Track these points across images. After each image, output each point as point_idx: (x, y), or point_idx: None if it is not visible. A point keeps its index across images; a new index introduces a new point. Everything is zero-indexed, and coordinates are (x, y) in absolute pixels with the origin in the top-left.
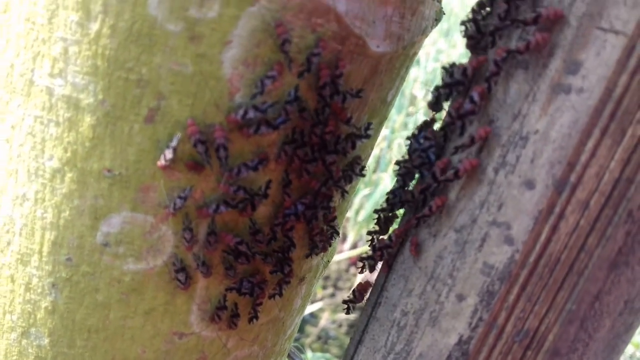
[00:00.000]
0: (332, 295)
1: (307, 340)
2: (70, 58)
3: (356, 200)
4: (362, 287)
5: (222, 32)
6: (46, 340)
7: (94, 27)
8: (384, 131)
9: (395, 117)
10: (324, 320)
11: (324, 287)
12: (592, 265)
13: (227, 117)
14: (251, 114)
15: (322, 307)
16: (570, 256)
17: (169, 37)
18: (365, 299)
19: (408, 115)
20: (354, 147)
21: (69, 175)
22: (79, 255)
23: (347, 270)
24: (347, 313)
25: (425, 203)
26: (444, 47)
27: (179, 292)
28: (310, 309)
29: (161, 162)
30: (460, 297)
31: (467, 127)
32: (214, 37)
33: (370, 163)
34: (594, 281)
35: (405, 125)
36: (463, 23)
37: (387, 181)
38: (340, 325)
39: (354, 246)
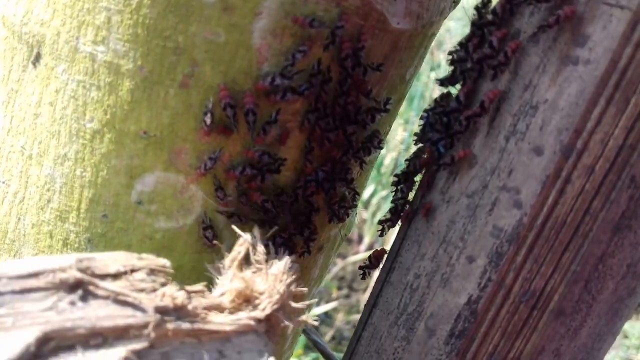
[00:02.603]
0: (347, 296)
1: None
2: (112, 27)
3: (373, 202)
4: (378, 254)
5: (253, 3)
6: None
7: None
8: (402, 134)
9: (415, 120)
10: (339, 321)
11: (339, 288)
12: (596, 228)
13: (256, 84)
14: (278, 80)
15: (336, 308)
16: (576, 219)
17: (204, 8)
18: (380, 265)
19: None
20: (373, 120)
21: (107, 136)
22: (114, 212)
23: None
24: (363, 278)
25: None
26: None
27: (205, 251)
28: (324, 308)
29: (203, 128)
30: (471, 259)
31: (485, 71)
32: (245, 8)
33: (387, 165)
34: (598, 244)
35: None
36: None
37: None
38: (354, 327)
39: (370, 248)
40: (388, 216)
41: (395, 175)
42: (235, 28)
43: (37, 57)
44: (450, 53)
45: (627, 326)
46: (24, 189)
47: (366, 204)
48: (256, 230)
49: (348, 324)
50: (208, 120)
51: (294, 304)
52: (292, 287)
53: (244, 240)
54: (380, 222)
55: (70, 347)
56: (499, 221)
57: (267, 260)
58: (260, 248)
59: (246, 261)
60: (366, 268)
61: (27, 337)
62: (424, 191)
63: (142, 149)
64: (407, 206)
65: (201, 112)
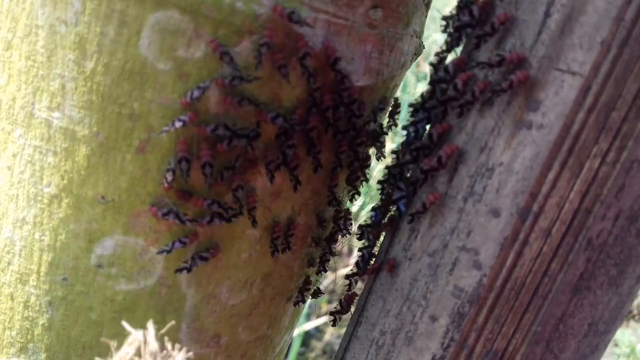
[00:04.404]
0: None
1: (312, 355)
2: (67, 93)
3: (362, 214)
4: (349, 298)
5: (208, 70)
6: (43, 356)
7: (90, 65)
8: (390, 146)
9: (403, 131)
10: (329, 334)
11: (329, 302)
12: (555, 289)
13: (199, 129)
14: (220, 131)
15: (327, 322)
16: (535, 280)
17: (158, 75)
18: (351, 309)
19: None
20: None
21: (65, 201)
22: (74, 275)
23: None
24: (334, 325)
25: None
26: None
27: (169, 311)
28: (315, 323)
29: (164, 185)
30: (433, 318)
31: (462, 39)
32: (201, 75)
33: (376, 177)
34: (558, 304)
35: None
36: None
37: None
38: None
39: None
40: (355, 270)
41: (360, 227)
42: None
43: None
44: (411, 106)
45: (618, 334)
46: None
47: (356, 216)
48: (150, 324)
49: (339, 338)
50: (169, 177)
51: None
52: None
53: (135, 338)
54: (347, 277)
55: None
56: (459, 281)
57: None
58: (154, 344)
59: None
60: (337, 313)
61: None
62: (389, 231)
63: (101, 213)
64: (374, 255)
65: (159, 175)
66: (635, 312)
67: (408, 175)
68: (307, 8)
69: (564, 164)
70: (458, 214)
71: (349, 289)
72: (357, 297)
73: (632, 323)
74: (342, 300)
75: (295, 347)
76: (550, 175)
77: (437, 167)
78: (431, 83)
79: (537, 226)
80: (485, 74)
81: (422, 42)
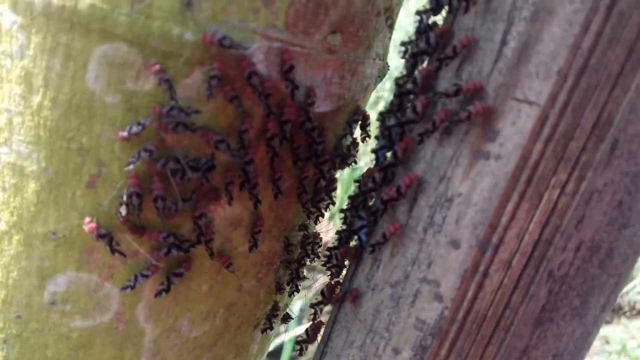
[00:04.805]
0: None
1: (304, 359)
2: (14, 128)
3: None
4: (315, 327)
5: (158, 102)
6: None
7: (36, 99)
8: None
9: None
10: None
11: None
12: (517, 322)
13: (150, 166)
14: (171, 165)
15: None
16: (496, 313)
17: (107, 109)
18: (318, 338)
19: None
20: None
21: (15, 237)
22: (27, 312)
23: None
24: (300, 354)
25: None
26: None
27: (127, 346)
28: (307, 327)
29: (120, 219)
30: (396, 351)
31: (418, 65)
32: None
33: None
34: (520, 337)
35: None
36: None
37: None
38: None
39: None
40: (320, 299)
41: (328, 249)
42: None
43: None
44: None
45: (609, 331)
46: None
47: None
48: None
49: None
50: (123, 211)
51: None
52: None
53: None
54: (312, 306)
55: None
56: (421, 314)
57: None
58: None
59: None
60: (304, 342)
61: None
62: (353, 261)
63: (52, 249)
64: (340, 282)
65: (111, 210)
66: (626, 308)
67: (371, 203)
68: (261, 37)
69: (522, 195)
70: (419, 244)
71: (314, 318)
72: (324, 326)
73: (623, 320)
74: (309, 329)
75: (288, 351)
76: (509, 207)
77: (396, 197)
78: (399, 95)
79: (497, 258)
80: (443, 102)
81: (387, 64)
